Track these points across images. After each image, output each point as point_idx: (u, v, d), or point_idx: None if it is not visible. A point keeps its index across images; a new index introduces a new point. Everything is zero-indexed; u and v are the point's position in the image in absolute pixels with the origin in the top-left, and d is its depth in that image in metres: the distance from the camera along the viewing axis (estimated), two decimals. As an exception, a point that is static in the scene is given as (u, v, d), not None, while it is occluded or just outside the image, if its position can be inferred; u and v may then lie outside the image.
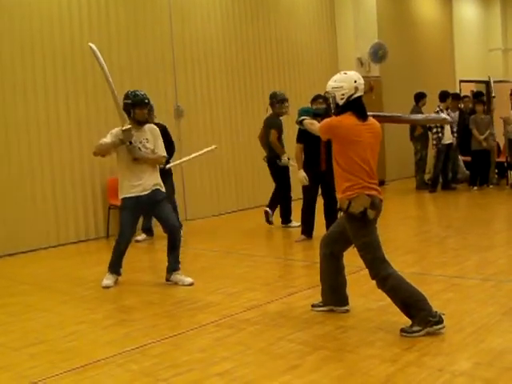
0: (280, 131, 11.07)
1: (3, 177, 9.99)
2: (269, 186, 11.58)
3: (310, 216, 9.90)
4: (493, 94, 15.70)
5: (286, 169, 11.04)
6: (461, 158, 15.63)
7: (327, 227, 9.77)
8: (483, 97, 16.04)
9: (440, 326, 5.26)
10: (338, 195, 5.75)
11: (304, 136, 9.45)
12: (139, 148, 7.53)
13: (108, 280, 7.65)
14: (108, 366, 5.00)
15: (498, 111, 15.28)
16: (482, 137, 14.57)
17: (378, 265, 5.60)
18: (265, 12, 14.45)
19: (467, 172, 15.46)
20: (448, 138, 14.72)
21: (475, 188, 14.67)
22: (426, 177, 15.58)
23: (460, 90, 20.03)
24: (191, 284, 7.49)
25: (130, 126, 7.44)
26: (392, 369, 4.59)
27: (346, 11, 16.16)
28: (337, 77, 5.72)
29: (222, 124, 13.36)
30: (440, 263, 7.94)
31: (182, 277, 7.60)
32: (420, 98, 15.36)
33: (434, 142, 14.78)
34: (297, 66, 15.26)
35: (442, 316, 5.30)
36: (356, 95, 5.63)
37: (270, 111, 11.32)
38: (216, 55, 13.33)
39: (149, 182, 7.62)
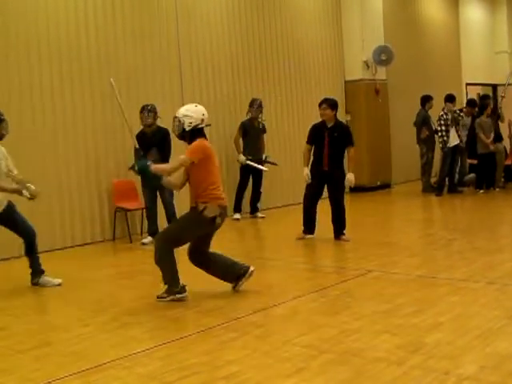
0: (245, 132, 12.60)
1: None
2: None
3: (309, 211, 10.08)
4: (502, 94, 15.72)
5: (246, 167, 12.61)
6: (468, 161, 15.61)
7: (335, 232, 9.81)
8: (488, 100, 16.02)
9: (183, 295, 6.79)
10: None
11: (312, 138, 10.01)
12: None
13: None
14: (114, 368, 5.00)
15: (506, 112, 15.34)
16: (488, 140, 14.56)
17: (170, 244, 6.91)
18: (271, 13, 14.47)
19: (471, 175, 15.44)
20: (454, 139, 14.70)
21: (481, 191, 14.64)
22: (432, 180, 15.55)
23: (466, 93, 20.05)
24: (60, 284, 7.83)
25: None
26: (398, 372, 4.57)
27: (352, 13, 16.17)
28: (188, 107, 6.95)
29: (227, 125, 13.33)
30: (446, 266, 7.95)
31: (49, 278, 7.91)
32: (426, 100, 15.38)
33: (441, 146, 14.78)
34: (303, 68, 15.27)
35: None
36: (201, 125, 6.90)
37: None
38: (222, 56, 13.35)
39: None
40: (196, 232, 6.96)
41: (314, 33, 15.62)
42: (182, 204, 10.04)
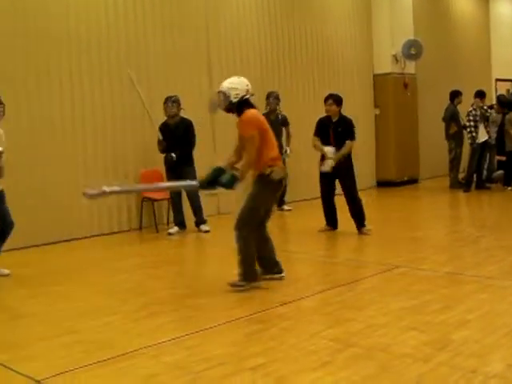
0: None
1: (39, 172, 10.06)
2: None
3: (327, 206, 10.25)
4: None
5: None
6: (496, 157, 15.50)
7: (356, 226, 9.83)
8: None
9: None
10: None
11: (319, 131, 10.19)
12: None
13: None
14: (140, 357, 5.02)
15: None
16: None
17: (248, 226, 6.82)
18: (300, 7, 14.43)
19: (499, 171, 15.33)
20: (483, 135, 14.62)
21: (510, 188, 14.53)
22: (460, 176, 15.45)
23: (496, 88, 19.89)
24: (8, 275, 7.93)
25: (2, 149, 7.53)
26: (424, 369, 4.55)
27: (381, 7, 16.09)
28: (231, 79, 6.96)
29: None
30: (473, 263, 7.89)
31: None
32: (455, 95, 15.26)
33: (469, 141, 14.70)
34: (331, 62, 15.23)
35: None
36: (247, 96, 6.88)
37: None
38: (251, 50, 13.34)
39: None
40: (268, 198, 7.00)
41: (343, 26, 15.56)
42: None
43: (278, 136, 12.61)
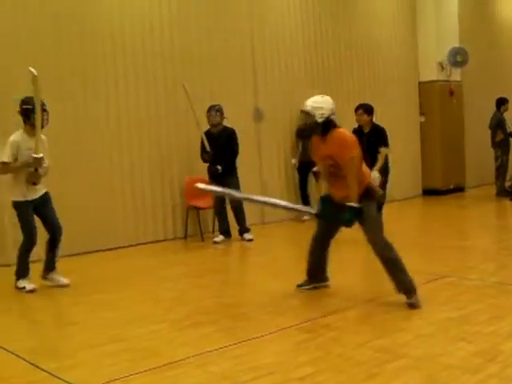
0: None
1: (85, 177, 10.14)
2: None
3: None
4: None
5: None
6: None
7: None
8: None
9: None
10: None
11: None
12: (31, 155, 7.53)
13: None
14: (187, 366, 5.03)
15: None
16: None
17: (383, 238, 6.56)
18: (346, 14, 14.39)
19: None
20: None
21: (558, 196, 14.33)
22: (507, 184, 15.26)
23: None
24: (68, 285, 7.84)
25: (42, 155, 7.49)
26: (473, 380, 4.49)
27: (427, 14, 15.96)
28: (315, 98, 6.70)
29: (301, 127, 13.30)
30: (522, 273, 7.79)
31: (58, 277, 7.94)
32: (501, 103, 15.10)
33: (516, 149, 14.56)
34: (377, 69, 15.16)
35: None
36: (332, 116, 6.66)
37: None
38: (295, 57, 13.32)
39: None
40: (375, 209, 6.79)
41: (388, 34, 15.47)
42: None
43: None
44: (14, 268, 7.97)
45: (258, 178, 12.44)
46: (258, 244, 10.59)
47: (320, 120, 6.55)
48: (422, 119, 15.89)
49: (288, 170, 13.04)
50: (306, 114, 6.60)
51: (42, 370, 5.08)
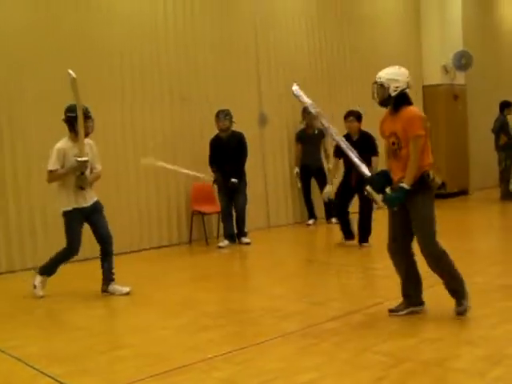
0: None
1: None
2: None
3: (343, 223, 10.22)
4: None
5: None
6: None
7: (359, 237, 9.76)
8: None
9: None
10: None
11: (339, 151, 9.61)
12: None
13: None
14: (193, 372, 5.02)
15: None
16: None
17: (434, 241, 6.03)
18: (350, 19, 14.39)
19: None
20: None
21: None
22: (511, 187, 15.24)
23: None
24: (128, 293, 7.68)
25: (87, 159, 7.44)
26: (479, 384, 4.49)
27: (431, 18, 15.96)
28: (391, 70, 6.18)
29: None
30: (528, 276, 7.77)
31: (118, 286, 7.80)
32: (505, 106, 15.11)
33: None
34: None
35: None
36: (407, 90, 6.12)
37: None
38: (300, 65, 13.31)
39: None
40: (434, 206, 6.10)
41: (392, 38, 15.47)
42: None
43: (314, 149, 12.59)
44: (18, 274, 7.97)
45: (262, 182, 12.45)
46: (262, 248, 10.60)
47: (394, 93, 6.06)
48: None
49: (292, 175, 12.99)
50: (380, 85, 6.11)
51: (47, 375, 5.08)
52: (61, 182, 7.58)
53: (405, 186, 5.86)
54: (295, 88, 7.09)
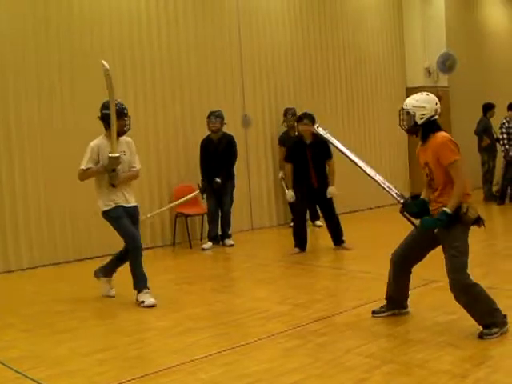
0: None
1: (74, 185, 10.11)
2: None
3: (300, 230, 10.18)
4: None
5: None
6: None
7: (334, 240, 9.79)
8: None
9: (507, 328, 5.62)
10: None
11: (292, 155, 10.01)
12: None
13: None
14: (177, 374, 5.03)
15: None
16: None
17: (464, 273, 5.67)
18: (332, 20, 14.44)
19: None
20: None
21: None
22: (494, 188, 15.33)
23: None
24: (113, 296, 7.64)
25: (118, 155, 7.19)
26: (462, 385, 4.51)
27: (413, 20, 16.04)
28: (418, 96, 5.89)
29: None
30: (510, 277, 7.80)
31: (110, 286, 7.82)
32: (488, 108, 15.20)
33: (503, 154, 14.60)
34: (364, 75, 15.21)
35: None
36: (435, 117, 5.81)
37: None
38: (283, 65, 13.37)
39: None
40: (467, 238, 5.81)
41: (375, 40, 15.54)
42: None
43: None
44: (14, 274, 7.93)
45: (245, 184, 12.48)
46: (246, 250, 10.61)
47: (420, 121, 5.80)
48: (410, 125, 15.94)
49: (276, 178, 13.00)
50: (406, 113, 5.88)
51: (30, 378, 5.08)
52: (98, 183, 7.36)
53: (447, 210, 5.56)
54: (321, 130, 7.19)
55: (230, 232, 11.03)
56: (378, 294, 6.49)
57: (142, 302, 7.20)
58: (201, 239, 11.48)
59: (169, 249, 11.15)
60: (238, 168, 11.61)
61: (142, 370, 5.13)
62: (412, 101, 5.87)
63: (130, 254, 7.46)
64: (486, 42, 18.84)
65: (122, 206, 7.38)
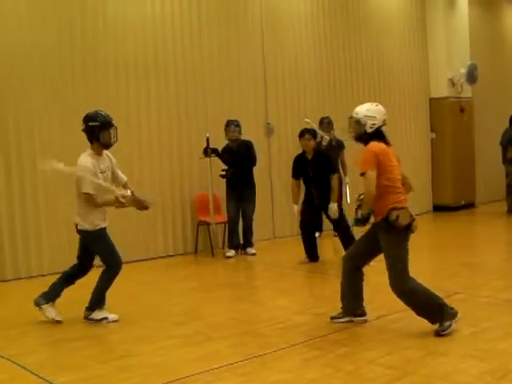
0: None
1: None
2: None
3: (307, 243, 10.11)
4: None
5: None
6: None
7: (345, 250, 9.78)
8: None
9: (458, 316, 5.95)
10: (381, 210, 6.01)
11: (295, 171, 10.05)
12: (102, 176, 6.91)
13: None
14: (196, 382, 5.02)
15: None
16: None
17: (405, 277, 6.05)
18: (356, 31, 14.39)
19: None
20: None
21: None
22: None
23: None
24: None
25: (129, 193, 6.92)
26: (484, 398, 4.48)
27: (437, 31, 15.96)
28: (369, 106, 6.18)
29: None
30: (532, 290, 7.75)
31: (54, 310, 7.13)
32: (514, 120, 15.06)
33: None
34: (387, 85, 15.13)
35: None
36: (382, 127, 6.14)
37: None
38: (307, 73, 13.34)
39: None
40: (403, 245, 6.05)
41: (398, 50, 15.48)
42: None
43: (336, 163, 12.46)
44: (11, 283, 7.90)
45: (268, 193, 12.48)
46: (268, 259, 10.59)
47: (370, 130, 6.06)
48: (433, 135, 15.87)
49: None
50: (356, 121, 6.10)
51: (51, 384, 5.09)
52: (84, 203, 6.86)
53: (364, 214, 6.07)
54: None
55: (252, 240, 11.00)
56: (401, 305, 6.45)
57: (105, 318, 6.94)
58: (223, 247, 11.47)
59: (191, 257, 11.15)
60: (260, 176, 11.61)
61: (162, 377, 5.12)
62: (363, 110, 6.13)
63: (111, 273, 7.03)
64: (510, 53, 18.71)
65: (104, 228, 7.08)
